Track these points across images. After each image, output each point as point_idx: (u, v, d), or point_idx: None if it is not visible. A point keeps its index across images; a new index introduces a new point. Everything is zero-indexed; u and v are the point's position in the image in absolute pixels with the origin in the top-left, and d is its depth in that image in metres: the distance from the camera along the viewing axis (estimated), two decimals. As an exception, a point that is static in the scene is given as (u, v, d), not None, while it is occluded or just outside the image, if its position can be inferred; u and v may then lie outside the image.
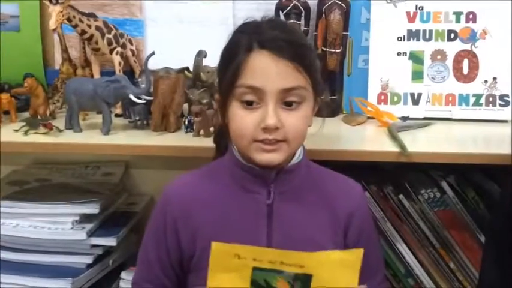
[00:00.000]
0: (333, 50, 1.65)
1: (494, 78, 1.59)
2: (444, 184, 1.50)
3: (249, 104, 1.11)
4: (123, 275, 1.59)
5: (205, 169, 1.24)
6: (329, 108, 1.66)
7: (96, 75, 1.69)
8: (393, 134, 1.43)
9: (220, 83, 1.18)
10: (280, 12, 1.66)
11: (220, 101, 1.18)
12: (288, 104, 1.11)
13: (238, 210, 1.17)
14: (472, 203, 1.51)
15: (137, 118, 1.52)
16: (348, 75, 1.69)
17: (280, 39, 1.10)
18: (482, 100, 1.60)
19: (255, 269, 1.08)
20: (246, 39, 1.11)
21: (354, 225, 1.22)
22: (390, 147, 1.39)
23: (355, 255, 1.07)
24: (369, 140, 1.51)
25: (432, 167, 1.55)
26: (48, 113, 1.60)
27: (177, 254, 1.20)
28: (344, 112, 1.67)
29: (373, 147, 1.43)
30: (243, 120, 1.12)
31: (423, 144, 1.45)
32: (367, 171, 1.59)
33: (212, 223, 1.16)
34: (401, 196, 1.52)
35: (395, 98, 1.63)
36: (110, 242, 1.57)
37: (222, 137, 1.25)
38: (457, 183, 1.51)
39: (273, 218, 1.16)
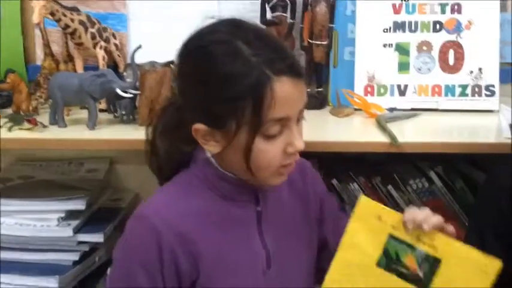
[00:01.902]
0: (319, 42, 1.64)
1: (480, 69, 1.60)
2: (432, 174, 1.51)
3: (273, 136, 1.03)
4: (109, 271, 1.56)
5: (176, 186, 1.11)
6: (316, 101, 1.65)
7: (80, 70, 1.67)
8: (382, 125, 1.43)
9: (215, 115, 1.02)
10: (266, 4, 1.65)
11: (209, 132, 1.04)
12: (298, 120, 1.07)
13: (230, 223, 1.10)
14: (460, 192, 1.52)
15: (123, 113, 1.49)
16: (334, 67, 1.68)
17: (291, 60, 1.03)
18: (468, 90, 1.60)
19: (390, 237, 1.08)
20: (257, 69, 0.99)
21: (323, 200, 1.23)
22: (380, 138, 1.38)
23: (494, 266, 1.04)
24: (357, 131, 1.51)
25: (420, 158, 1.56)
26: (31, 108, 1.57)
27: (174, 284, 1.06)
28: (331, 104, 1.67)
29: (363, 138, 1.42)
30: (270, 153, 1.03)
31: (411, 134, 1.45)
32: (355, 163, 1.59)
33: (210, 242, 1.07)
34: (389, 187, 1.53)
35: (382, 90, 1.63)
36: (97, 238, 1.55)
37: (169, 161, 1.13)
38: (445, 173, 1.52)
39: (262, 223, 1.13)
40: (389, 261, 1.08)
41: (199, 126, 1.04)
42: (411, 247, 1.08)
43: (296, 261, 1.19)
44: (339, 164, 1.58)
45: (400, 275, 1.08)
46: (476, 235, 1.26)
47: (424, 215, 1.08)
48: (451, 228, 1.10)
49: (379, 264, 1.09)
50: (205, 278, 1.06)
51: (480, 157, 1.49)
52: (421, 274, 1.07)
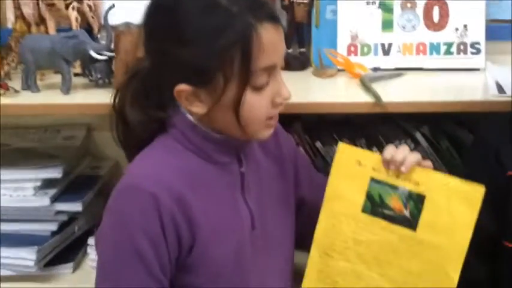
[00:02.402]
0: (301, 1, 1.59)
1: (465, 26, 1.56)
2: (418, 135, 1.48)
3: (261, 86, 1.00)
4: (90, 241, 1.53)
5: (158, 151, 1.06)
6: (298, 62, 1.60)
7: (52, 32, 1.60)
8: (366, 85, 1.39)
9: (201, 73, 0.98)
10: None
11: (194, 92, 1.00)
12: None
13: (216, 186, 1.07)
14: (446, 152, 1.49)
15: (98, 76, 1.44)
16: (316, 27, 1.63)
17: (269, 6, 1.02)
18: (454, 48, 1.56)
19: (372, 180, 1.07)
20: (240, 18, 0.97)
21: (297, 160, 1.21)
22: (364, 98, 1.35)
23: (477, 192, 1.02)
24: (341, 92, 1.47)
25: (405, 119, 1.52)
26: (2, 73, 1.51)
27: (176, 252, 1.03)
28: (313, 65, 1.62)
29: (347, 98, 1.38)
30: (260, 105, 1.01)
31: (396, 94, 1.41)
32: (339, 125, 1.55)
33: (202, 205, 1.04)
34: (374, 149, 1.49)
35: (366, 49, 1.58)
36: (75, 207, 1.51)
37: (143, 131, 1.07)
38: (431, 133, 1.49)
39: (245, 186, 1.10)
40: (374, 205, 1.07)
41: (182, 88, 1.00)
42: (393, 187, 1.06)
43: (277, 221, 1.17)
44: (323, 127, 1.54)
45: (387, 217, 1.07)
46: None
47: (403, 155, 1.06)
48: (428, 163, 1.08)
49: (364, 210, 1.08)
50: (201, 243, 1.04)
51: (466, 116, 1.46)
52: (407, 214, 1.06)
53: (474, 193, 1.03)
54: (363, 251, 1.09)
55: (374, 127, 1.52)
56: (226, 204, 1.08)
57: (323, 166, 1.52)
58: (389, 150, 1.07)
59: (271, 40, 0.99)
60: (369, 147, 1.50)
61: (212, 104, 1.00)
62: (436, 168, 1.44)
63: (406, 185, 1.06)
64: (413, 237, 1.06)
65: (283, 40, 1.03)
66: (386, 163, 1.07)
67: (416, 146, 1.47)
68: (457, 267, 1.04)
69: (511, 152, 1.15)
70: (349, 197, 1.09)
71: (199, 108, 1.02)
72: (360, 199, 1.08)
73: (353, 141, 1.51)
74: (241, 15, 0.97)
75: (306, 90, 1.49)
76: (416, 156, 1.06)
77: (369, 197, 1.08)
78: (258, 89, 1.00)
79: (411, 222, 1.06)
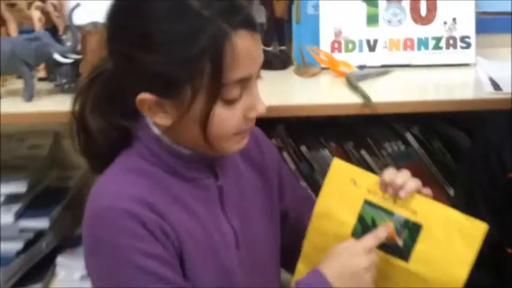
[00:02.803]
0: (280, -4, 1.50)
1: (454, 19, 1.47)
2: (409, 136, 1.40)
3: (234, 100, 0.91)
4: (59, 259, 1.43)
5: (122, 171, 0.96)
6: (278, 60, 1.51)
7: (13, 34, 1.48)
8: (353, 84, 1.30)
9: (166, 82, 0.89)
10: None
11: (158, 102, 0.90)
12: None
13: (192, 204, 0.97)
14: (438, 153, 1.41)
15: (64, 81, 1.33)
16: (297, 23, 1.53)
17: (246, 11, 0.91)
18: (442, 43, 1.48)
19: (366, 202, 1.00)
20: (212, 23, 0.87)
21: (281, 170, 1.13)
22: (352, 98, 1.26)
23: (479, 229, 0.95)
24: (326, 92, 1.38)
25: (393, 119, 1.44)
26: (-41, 80, 1.39)
27: (173, 251, 0.94)
28: (295, 64, 1.53)
29: (333, 99, 1.29)
30: (230, 120, 0.91)
31: (385, 94, 1.33)
32: (324, 127, 1.47)
33: (182, 224, 0.94)
34: (363, 152, 1.41)
35: (350, 46, 1.49)
36: (42, 223, 1.41)
37: (105, 141, 0.98)
38: (422, 133, 1.41)
39: (224, 200, 1.01)
40: (365, 229, 0.99)
41: (144, 96, 0.90)
42: (388, 213, 0.99)
43: (263, 238, 1.08)
44: (308, 129, 1.45)
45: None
46: (463, 199, 1.16)
47: (403, 179, 0.99)
48: (428, 191, 1.00)
49: (354, 233, 1.00)
50: (188, 260, 0.94)
51: (458, 115, 1.38)
52: (400, 242, 0.98)
53: (475, 230, 0.95)
54: None
55: (362, 128, 1.44)
56: (206, 223, 0.98)
57: (309, 172, 1.43)
58: (389, 172, 1.00)
59: (246, 49, 0.88)
60: (357, 150, 1.41)
61: (178, 117, 0.91)
62: (428, 172, 1.40)
63: (402, 212, 0.98)
64: (405, 268, 0.98)
65: (260, 49, 0.93)
66: (384, 186, 0.99)
67: (407, 148, 1.39)
68: None
69: (514, 152, 1.07)
70: (339, 217, 1.02)
71: (163, 120, 0.92)
72: (351, 221, 1.01)
73: (340, 145, 1.42)
74: (213, 20, 0.86)
75: (289, 90, 1.39)
76: (417, 182, 0.99)
77: (361, 220, 1.00)
78: (230, 102, 0.90)
79: (403, 252, 0.98)
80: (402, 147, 1.39)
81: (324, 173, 1.43)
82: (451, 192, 1.39)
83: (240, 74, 0.89)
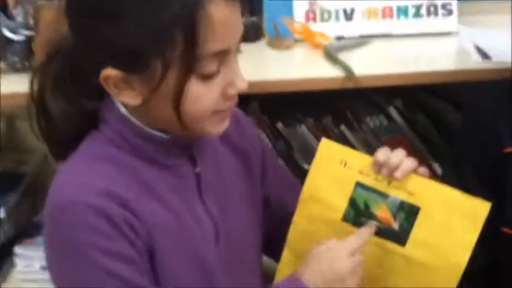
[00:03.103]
0: (250, -38, 1.39)
1: (435, -15, 1.40)
2: (391, 110, 1.32)
3: (210, 75, 0.81)
4: (17, 249, 1.34)
5: (87, 160, 0.86)
6: (250, 32, 1.40)
7: (-43, 9, 1.36)
8: (333, 56, 1.21)
9: (133, 55, 0.79)
10: None
11: (124, 78, 0.81)
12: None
13: (169, 194, 0.88)
14: (422, 127, 1.34)
15: (15, 59, 1.23)
16: (269, -8, 1.44)
17: None
18: (423, 10, 1.40)
19: (358, 185, 0.93)
20: None
21: (264, 153, 1.04)
22: (331, 72, 1.17)
23: (482, 208, 0.89)
24: (303, 66, 1.29)
25: (375, 92, 1.36)
26: None
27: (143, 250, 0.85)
28: (267, 35, 1.43)
29: (312, 73, 1.20)
30: (207, 98, 0.82)
31: (366, 66, 1.23)
32: (301, 102, 1.38)
33: (154, 219, 0.86)
34: (342, 127, 1.33)
35: (326, 15, 1.40)
36: (-3, 212, 1.30)
37: (67, 124, 0.88)
38: (405, 107, 1.33)
39: (202, 188, 0.92)
40: (358, 213, 0.93)
41: (109, 72, 0.80)
42: (383, 195, 0.92)
43: (244, 227, 0.99)
44: (283, 105, 1.36)
45: None
46: (453, 175, 1.09)
47: (398, 159, 0.91)
48: (424, 170, 0.93)
49: (346, 218, 0.94)
50: (160, 258, 0.86)
51: (443, 85, 1.31)
52: (396, 226, 0.92)
53: (478, 210, 0.89)
54: None
55: (341, 102, 1.35)
56: (182, 218, 0.88)
57: (285, 150, 1.35)
58: (383, 152, 0.92)
59: (223, 19, 0.79)
60: (337, 125, 1.33)
61: (148, 95, 0.81)
62: (412, 146, 1.33)
63: (398, 194, 0.91)
64: (401, 254, 0.92)
65: (239, 19, 0.83)
66: (378, 166, 0.92)
67: (389, 122, 1.32)
68: None
69: (511, 125, 1.00)
70: (329, 201, 0.95)
71: (131, 99, 0.82)
72: (342, 205, 0.94)
73: (318, 120, 1.34)
74: None
75: (263, 65, 1.30)
76: (413, 161, 0.92)
77: (353, 203, 0.93)
78: (206, 78, 0.81)
79: (400, 237, 0.92)
80: (384, 122, 1.31)
81: (302, 151, 1.37)
82: (436, 167, 1.33)
83: (217, 46, 0.79)
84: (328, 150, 0.95)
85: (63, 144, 0.88)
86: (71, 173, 0.84)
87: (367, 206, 0.93)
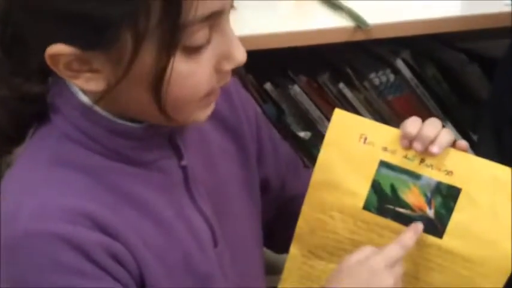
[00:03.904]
0: None
1: None
2: (399, 63, 1.13)
3: (199, 47, 0.61)
4: None
5: (41, 161, 0.66)
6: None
7: None
8: (337, 4, 1.01)
9: (94, 25, 0.59)
10: None
11: (81, 57, 0.60)
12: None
13: (151, 198, 0.69)
14: (433, 82, 1.16)
15: None
16: None
17: None
18: None
19: (382, 164, 0.75)
20: None
21: (260, 128, 0.86)
22: (334, 22, 0.98)
23: (506, 173, 0.73)
24: (296, 15, 1.07)
25: (378, 43, 1.17)
26: None
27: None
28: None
29: (308, 24, 1.00)
30: (196, 78, 0.62)
31: (374, 14, 1.03)
32: (292, 57, 1.18)
33: (136, 233, 0.67)
34: (341, 85, 1.14)
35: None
36: None
37: (7, 116, 0.68)
38: (414, 59, 1.15)
39: (191, 184, 0.73)
40: (383, 200, 0.76)
41: (59, 49, 0.59)
42: (414, 176, 0.75)
43: (242, 219, 0.82)
44: (272, 61, 1.16)
45: (401, 218, 0.76)
46: (491, 144, 0.93)
47: (435, 130, 0.73)
48: (463, 144, 0.75)
49: (367, 206, 0.77)
50: (152, 281, 0.68)
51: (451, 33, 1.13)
52: (431, 213, 0.75)
53: (506, 174, 0.73)
54: None
55: (339, 57, 1.16)
56: (171, 227, 0.70)
57: (276, 116, 1.16)
58: (413, 123, 0.74)
59: None
60: (334, 83, 1.14)
61: (114, 78, 0.61)
62: (422, 105, 1.16)
63: (433, 174, 0.74)
64: (438, 247, 0.75)
65: None
66: (408, 140, 0.74)
67: (396, 78, 1.14)
68: (497, 286, 0.75)
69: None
70: (346, 186, 0.77)
71: (91, 84, 0.61)
72: (362, 191, 0.77)
73: (313, 78, 1.15)
74: None
75: (247, 15, 1.08)
76: (450, 133, 0.74)
77: (376, 188, 0.76)
78: (193, 51, 0.61)
79: (436, 226, 0.75)
80: (391, 77, 1.13)
81: (294, 114, 1.18)
82: (449, 127, 1.16)
83: (208, 7, 0.58)
84: (343, 123, 0.77)
85: (4, 139, 0.67)
86: (21, 190, 0.63)
87: (394, 190, 0.75)
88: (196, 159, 0.74)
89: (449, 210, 0.74)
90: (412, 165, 0.75)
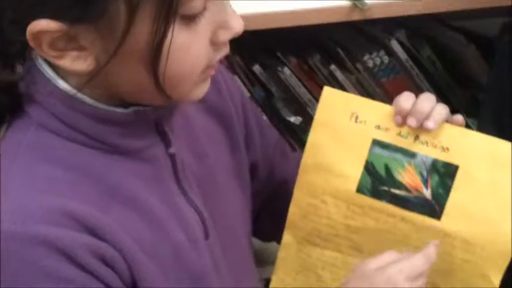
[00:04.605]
0: None
1: None
2: (394, 43, 1.08)
3: (194, 16, 0.56)
4: None
5: (16, 158, 0.60)
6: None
7: None
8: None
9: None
10: None
11: (66, 33, 0.55)
12: None
13: (138, 188, 0.64)
14: (428, 63, 1.11)
15: None
16: None
17: None
18: None
19: (375, 144, 0.71)
20: None
21: (246, 111, 0.81)
22: (332, 1, 0.92)
23: (506, 148, 0.69)
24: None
25: (370, 23, 1.11)
26: None
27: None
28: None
29: (306, 4, 0.94)
30: (193, 49, 0.58)
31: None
32: (281, 38, 1.12)
33: (125, 229, 0.61)
34: (333, 67, 1.09)
35: None
36: None
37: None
38: (408, 39, 1.10)
39: (179, 173, 0.68)
40: (377, 181, 0.72)
41: (44, 26, 0.54)
42: (409, 154, 0.71)
43: (234, 211, 0.78)
44: (260, 42, 1.10)
45: (396, 200, 0.72)
46: (492, 121, 0.89)
47: (429, 105, 0.69)
48: (460, 119, 0.72)
49: (361, 189, 0.73)
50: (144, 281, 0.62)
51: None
52: (427, 194, 0.71)
53: (504, 148, 0.69)
54: (360, 240, 0.75)
55: (330, 37, 1.11)
56: (161, 221, 0.65)
57: (265, 100, 1.10)
58: (406, 98, 0.70)
59: None
60: (325, 65, 1.09)
61: (105, 54, 0.56)
62: (417, 88, 1.11)
63: (428, 152, 0.70)
64: (436, 229, 0.71)
65: None
66: (402, 116, 0.69)
67: (390, 58, 1.08)
68: (499, 268, 0.71)
69: None
70: (338, 168, 0.73)
71: (79, 64, 0.56)
72: (355, 172, 0.72)
73: (303, 59, 1.09)
74: None
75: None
76: (445, 108, 0.70)
77: (369, 169, 0.72)
78: (189, 20, 0.56)
79: (433, 207, 0.71)
80: (385, 59, 1.08)
81: (284, 98, 1.12)
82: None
83: None
84: (333, 102, 0.73)
85: None
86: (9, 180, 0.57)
87: (388, 171, 0.71)
88: (183, 146, 0.69)
89: (447, 189, 0.70)
90: (407, 143, 0.71)
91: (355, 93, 1.10)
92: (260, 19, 0.90)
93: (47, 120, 0.59)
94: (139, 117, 0.62)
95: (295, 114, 1.09)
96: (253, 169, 0.82)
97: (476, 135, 0.70)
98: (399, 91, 1.08)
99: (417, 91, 1.11)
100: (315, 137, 0.74)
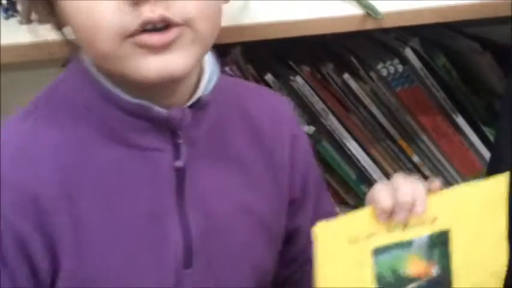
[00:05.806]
0: None
1: None
2: (408, 52, 1.06)
3: None
4: None
5: (43, 108, 0.64)
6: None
7: None
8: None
9: None
10: None
11: None
12: None
13: (133, 187, 0.63)
14: (443, 72, 1.10)
15: None
16: None
17: None
18: None
19: (376, 253, 0.68)
20: None
21: (308, 174, 0.78)
22: (346, 10, 0.91)
23: (500, 182, 0.69)
24: (306, 4, 1.00)
25: (383, 31, 1.10)
26: None
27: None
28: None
29: (315, 12, 0.92)
30: (96, 11, 0.55)
31: (384, 1, 0.96)
32: (293, 46, 1.11)
33: (100, 221, 0.62)
34: (346, 76, 1.08)
35: None
36: None
37: None
38: (423, 47, 1.08)
39: (186, 188, 0.65)
40: (390, 286, 0.69)
41: None
42: (405, 244, 0.69)
43: (241, 256, 0.72)
44: (272, 50, 1.09)
45: None
46: (509, 130, 0.87)
47: (410, 192, 0.66)
48: (436, 184, 0.69)
49: None
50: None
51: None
52: (437, 271, 0.70)
53: (497, 186, 0.69)
54: None
55: (344, 46, 1.09)
56: (138, 221, 0.64)
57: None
58: (384, 194, 0.66)
59: None
60: (339, 74, 1.07)
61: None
62: (432, 98, 1.10)
63: (421, 232, 0.69)
64: None
65: None
66: (385, 214, 0.66)
67: (404, 67, 1.07)
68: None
69: None
70: None
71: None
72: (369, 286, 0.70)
73: (316, 68, 1.08)
74: None
75: (253, 3, 1.01)
76: (423, 182, 0.68)
77: (380, 280, 0.69)
78: None
79: (442, 281, 0.70)
80: (400, 68, 1.06)
81: (297, 106, 1.10)
82: (459, 120, 1.10)
83: None
84: (326, 236, 0.68)
85: None
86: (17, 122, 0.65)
87: (395, 272, 0.69)
88: (204, 163, 0.67)
89: (447, 256, 0.69)
90: (399, 236, 0.68)
91: (368, 103, 1.09)
92: (272, 28, 0.89)
93: (79, 91, 0.63)
94: (145, 112, 0.61)
95: (308, 123, 1.08)
96: (295, 232, 0.79)
97: (452, 193, 0.69)
98: (415, 101, 1.10)
99: (432, 100, 1.10)
100: (321, 273, 0.69)
